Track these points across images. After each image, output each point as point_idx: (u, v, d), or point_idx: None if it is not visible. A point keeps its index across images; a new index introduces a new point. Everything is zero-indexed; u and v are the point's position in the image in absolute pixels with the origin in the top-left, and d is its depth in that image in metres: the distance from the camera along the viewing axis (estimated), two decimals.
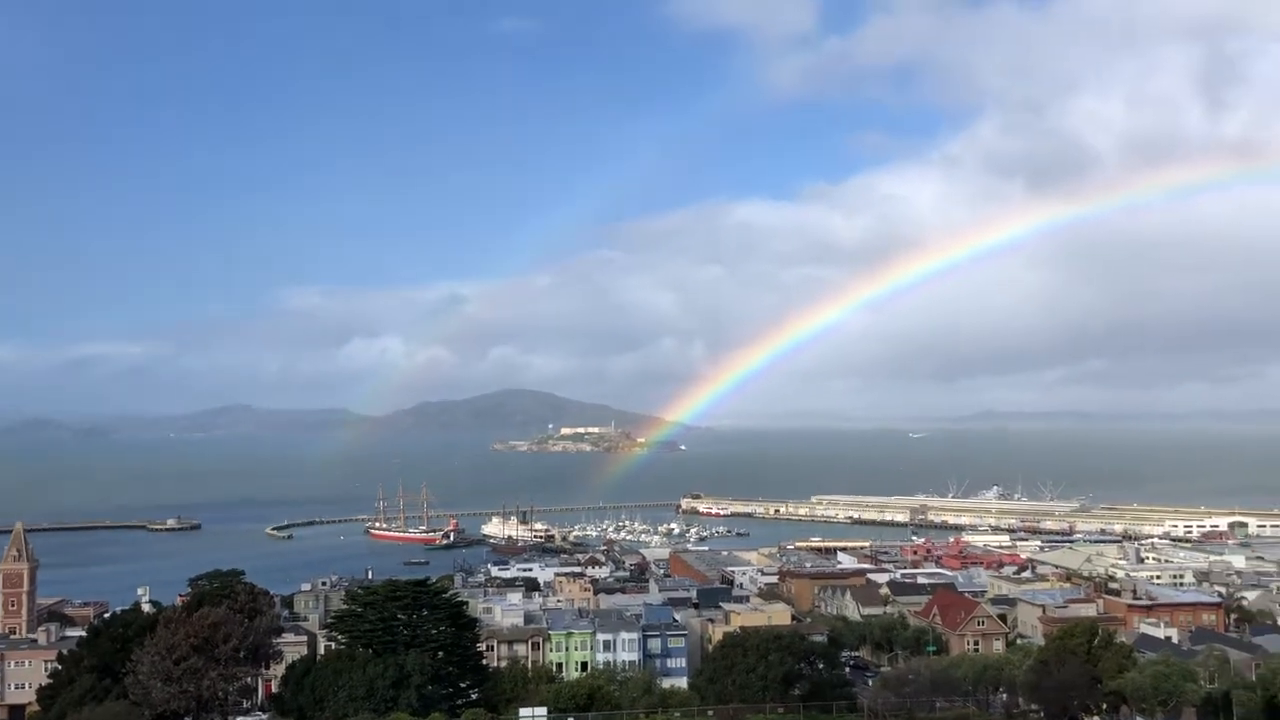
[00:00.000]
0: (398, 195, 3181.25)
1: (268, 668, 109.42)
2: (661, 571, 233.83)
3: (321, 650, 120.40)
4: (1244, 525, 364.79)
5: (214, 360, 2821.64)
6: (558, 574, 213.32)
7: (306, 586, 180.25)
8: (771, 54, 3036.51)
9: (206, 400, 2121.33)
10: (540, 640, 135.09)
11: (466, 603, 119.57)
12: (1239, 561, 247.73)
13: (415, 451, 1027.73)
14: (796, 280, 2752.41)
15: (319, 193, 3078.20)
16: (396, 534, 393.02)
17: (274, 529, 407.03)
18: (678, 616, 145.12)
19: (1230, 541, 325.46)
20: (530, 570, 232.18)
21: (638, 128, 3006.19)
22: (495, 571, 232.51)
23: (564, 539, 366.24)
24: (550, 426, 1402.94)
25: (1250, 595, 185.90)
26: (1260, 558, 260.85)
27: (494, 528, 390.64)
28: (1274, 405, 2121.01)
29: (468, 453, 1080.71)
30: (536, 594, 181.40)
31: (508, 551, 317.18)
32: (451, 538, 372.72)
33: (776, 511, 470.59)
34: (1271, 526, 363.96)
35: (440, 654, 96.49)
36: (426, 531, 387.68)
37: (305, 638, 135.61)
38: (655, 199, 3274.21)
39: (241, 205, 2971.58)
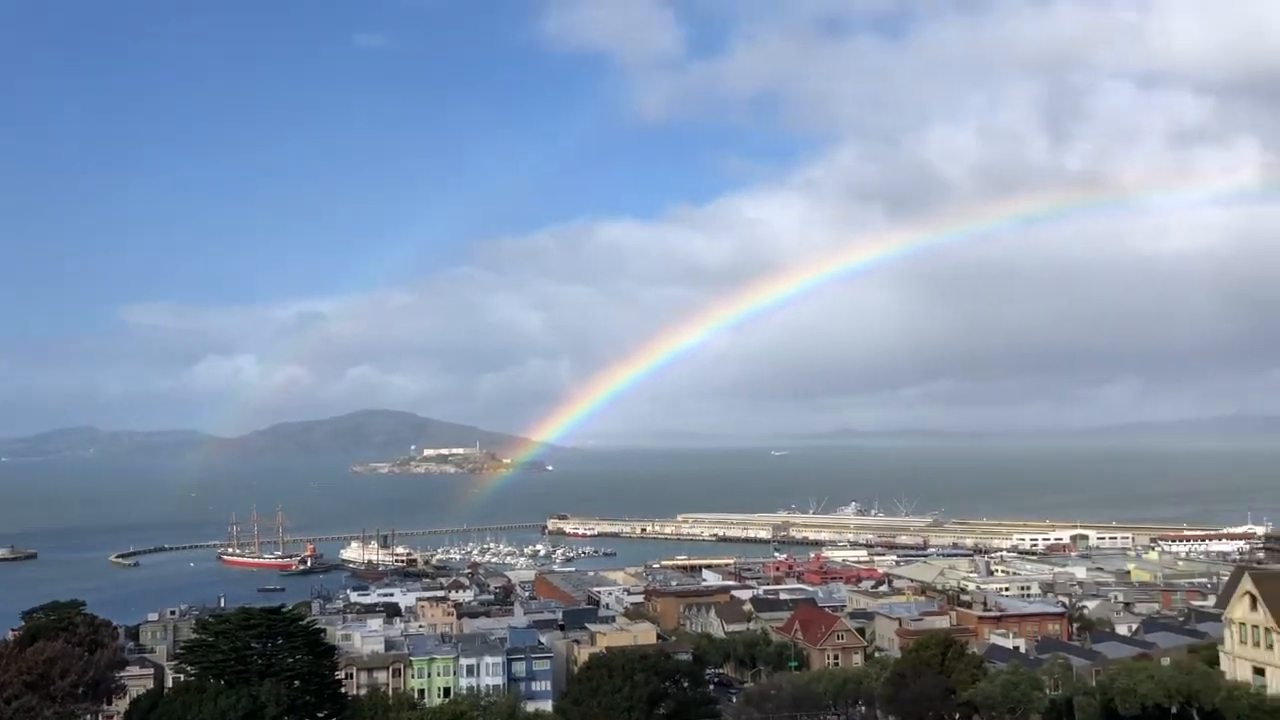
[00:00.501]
0: (251, 210, 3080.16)
1: (110, 703, 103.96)
2: (527, 594, 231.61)
3: (170, 683, 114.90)
4: (1085, 538, 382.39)
5: (53, 380, 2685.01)
6: (420, 599, 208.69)
7: (154, 616, 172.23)
8: (639, 77, 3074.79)
9: (44, 422, 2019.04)
10: (401, 667, 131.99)
11: (324, 630, 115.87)
12: (1081, 572, 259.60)
13: (271, 474, 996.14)
14: (662, 301, 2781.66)
15: (166, 206, 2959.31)
16: (250, 560, 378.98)
17: (118, 557, 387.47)
18: (543, 639, 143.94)
19: (1073, 554, 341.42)
20: (391, 595, 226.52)
21: (505, 146, 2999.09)
22: (355, 597, 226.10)
23: (427, 563, 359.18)
24: (413, 448, 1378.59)
25: (1091, 604, 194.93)
26: (1100, 569, 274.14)
27: (353, 552, 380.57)
28: (1112, 423, 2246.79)
29: (326, 475, 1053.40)
30: (398, 619, 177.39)
31: (368, 576, 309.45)
32: (309, 563, 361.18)
33: (643, 531, 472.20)
34: (1110, 539, 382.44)
35: (297, 683, 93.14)
36: (282, 557, 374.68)
37: (152, 670, 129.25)
38: (523, 217, 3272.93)
39: (81, 219, 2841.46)
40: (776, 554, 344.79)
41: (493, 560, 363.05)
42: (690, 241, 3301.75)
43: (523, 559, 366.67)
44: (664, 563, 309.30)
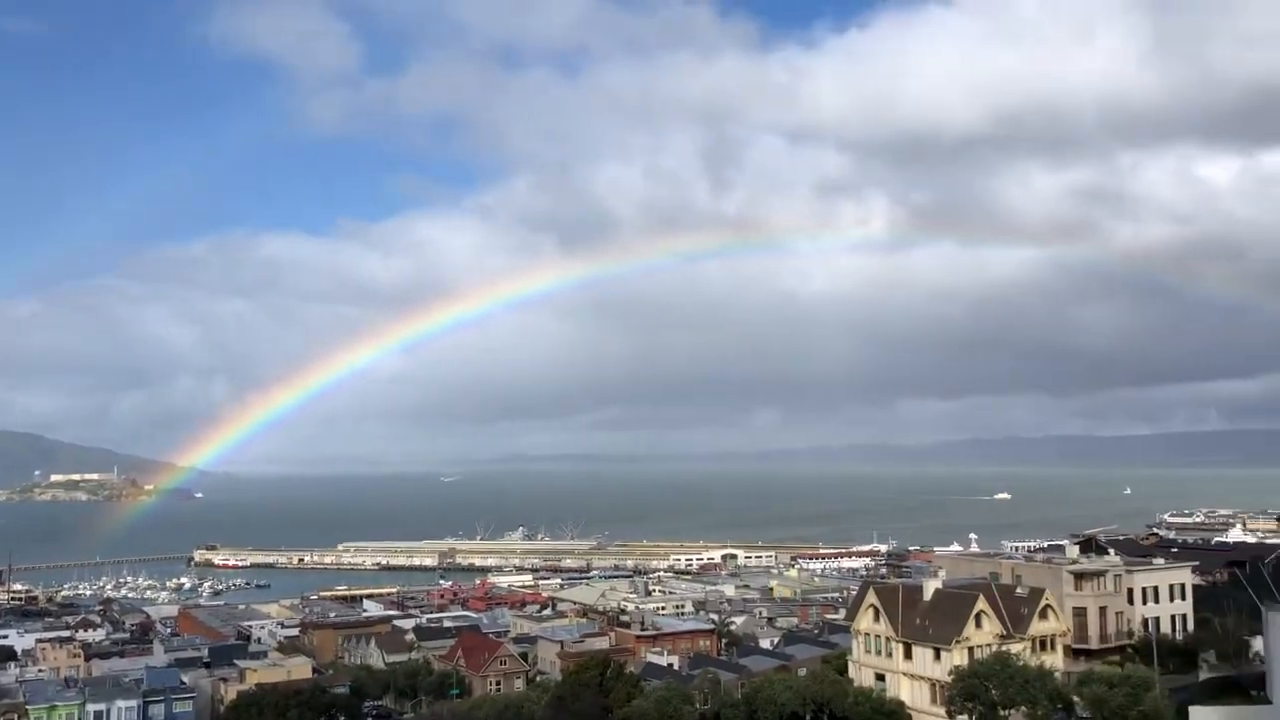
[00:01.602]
0: None
1: None
2: (169, 630, 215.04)
3: None
4: (734, 557, 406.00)
5: None
6: (40, 640, 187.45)
7: None
8: (313, 88, 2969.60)
9: None
10: (16, 717, 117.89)
11: None
12: (730, 590, 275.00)
13: None
14: (330, 319, 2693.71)
15: None
16: None
17: None
18: (185, 678, 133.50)
19: (723, 572, 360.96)
20: (6, 637, 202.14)
21: (159, 150, 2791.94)
22: None
23: (50, 600, 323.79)
24: (37, 473, 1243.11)
25: (738, 620, 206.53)
26: (747, 586, 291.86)
27: None
28: (760, 449, 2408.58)
29: None
30: (13, 664, 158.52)
31: None
32: None
33: (301, 561, 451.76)
34: (756, 557, 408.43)
35: None
36: None
37: None
38: (178, 226, 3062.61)
39: None
40: (442, 581, 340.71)
41: (130, 595, 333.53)
42: (362, 259, 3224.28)
43: (165, 593, 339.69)
44: (322, 594, 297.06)
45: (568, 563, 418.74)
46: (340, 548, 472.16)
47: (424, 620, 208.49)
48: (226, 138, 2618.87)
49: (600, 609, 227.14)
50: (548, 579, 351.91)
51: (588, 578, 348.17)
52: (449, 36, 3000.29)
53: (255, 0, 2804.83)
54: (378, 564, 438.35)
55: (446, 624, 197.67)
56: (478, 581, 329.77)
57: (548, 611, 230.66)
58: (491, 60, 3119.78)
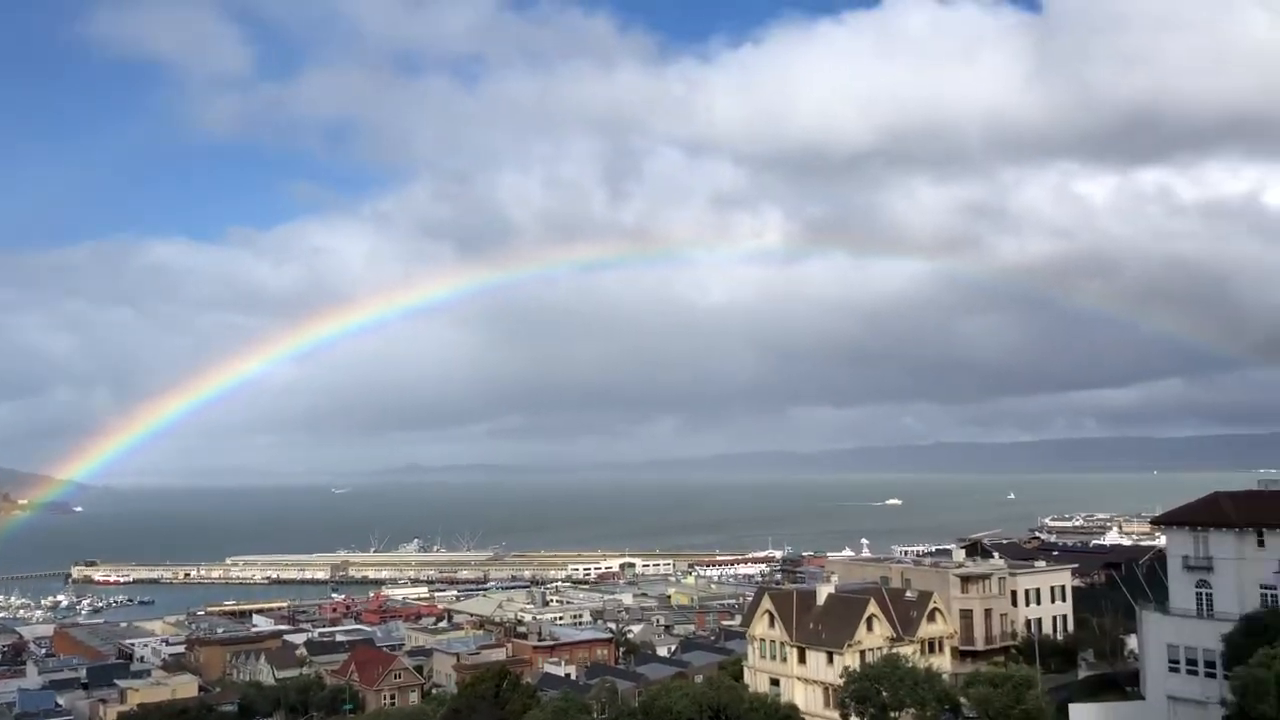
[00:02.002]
0: None
1: None
2: (44, 651, 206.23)
3: None
4: (632, 565, 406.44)
5: None
6: None
7: None
8: (201, 91, 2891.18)
9: None
10: None
11: None
12: (628, 599, 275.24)
13: None
14: (219, 327, 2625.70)
15: None
16: None
17: None
18: (61, 700, 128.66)
19: (621, 581, 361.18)
20: None
21: (35, 150, 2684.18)
22: None
23: None
24: None
25: (636, 629, 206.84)
26: (645, 594, 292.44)
27: None
28: (657, 457, 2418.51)
29: None
30: None
31: None
32: None
33: (187, 576, 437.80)
34: (654, 565, 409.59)
35: None
36: None
37: None
38: (56, 230, 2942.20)
39: None
40: (334, 595, 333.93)
41: (1, 615, 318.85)
42: (253, 267, 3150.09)
43: (40, 612, 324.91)
44: (210, 609, 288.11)
45: (464, 574, 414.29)
46: (229, 561, 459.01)
47: (316, 634, 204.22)
48: (110, 140, 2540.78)
49: (497, 620, 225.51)
50: (444, 591, 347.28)
51: (485, 589, 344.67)
52: (345, 41, 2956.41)
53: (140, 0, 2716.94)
54: (268, 578, 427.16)
55: (339, 638, 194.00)
56: (372, 594, 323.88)
57: (444, 624, 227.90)
58: (389, 66, 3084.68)
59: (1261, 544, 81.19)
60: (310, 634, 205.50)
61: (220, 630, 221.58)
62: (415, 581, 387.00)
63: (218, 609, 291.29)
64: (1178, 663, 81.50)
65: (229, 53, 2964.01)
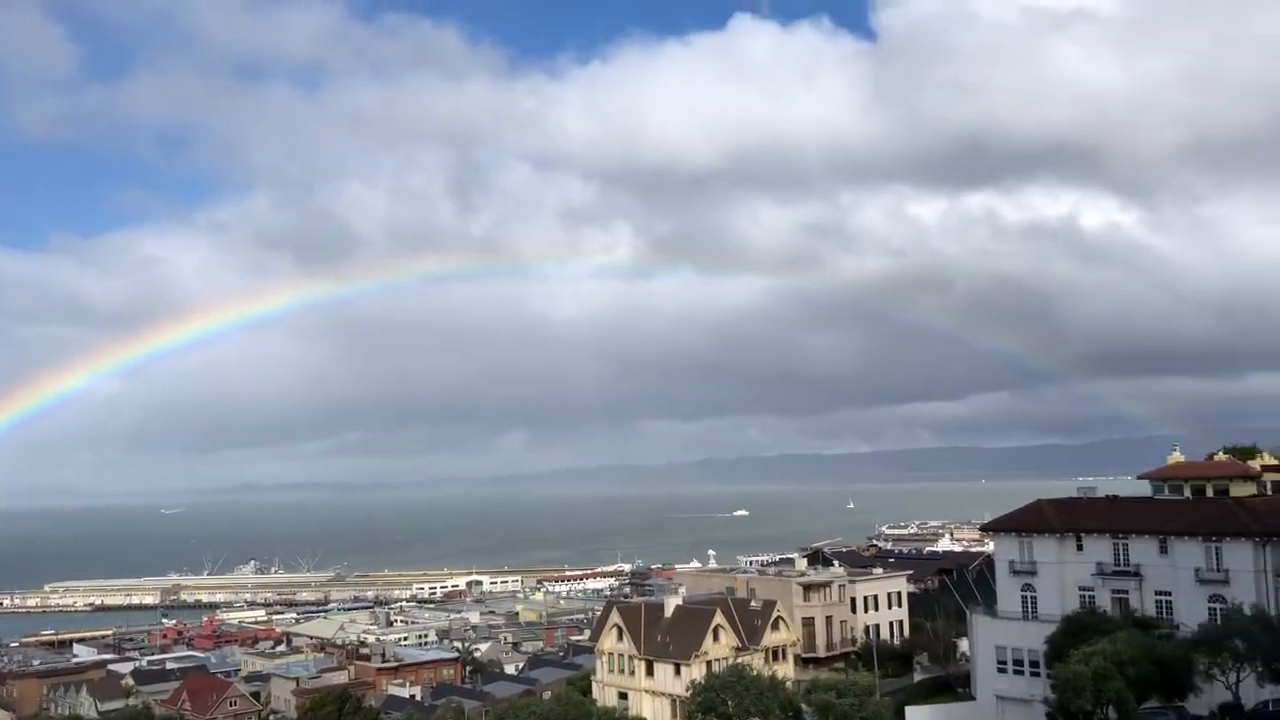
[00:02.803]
0: None
1: None
2: None
3: None
4: (480, 583, 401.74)
5: None
6: None
7: None
8: (21, 92, 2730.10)
9: None
10: None
11: None
12: (475, 617, 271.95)
13: None
14: (38, 340, 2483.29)
15: None
16: None
17: None
18: None
19: (468, 599, 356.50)
20: None
21: None
22: None
23: None
24: None
25: (483, 647, 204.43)
26: (492, 612, 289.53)
27: None
28: (505, 472, 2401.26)
29: None
30: None
31: None
32: None
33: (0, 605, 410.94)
34: (502, 582, 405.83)
35: None
36: None
37: None
38: None
39: None
40: (165, 620, 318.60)
41: None
42: (76, 276, 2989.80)
43: None
44: (25, 640, 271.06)
45: (304, 596, 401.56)
46: (47, 588, 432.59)
47: (144, 663, 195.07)
48: None
49: (339, 642, 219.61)
50: (282, 613, 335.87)
51: (326, 611, 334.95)
52: (182, 45, 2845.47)
53: None
54: (91, 604, 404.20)
55: (170, 665, 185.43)
56: (205, 619, 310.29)
57: (282, 647, 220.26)
58: (229, 72, 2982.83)
59: (1080, 548, 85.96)
60: (138, 662, 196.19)
61: (36, 662, 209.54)
62: (252, 604, 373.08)
63: (34, 639, 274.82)
64: (1005, 663, 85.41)
65: (52, 51, 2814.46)
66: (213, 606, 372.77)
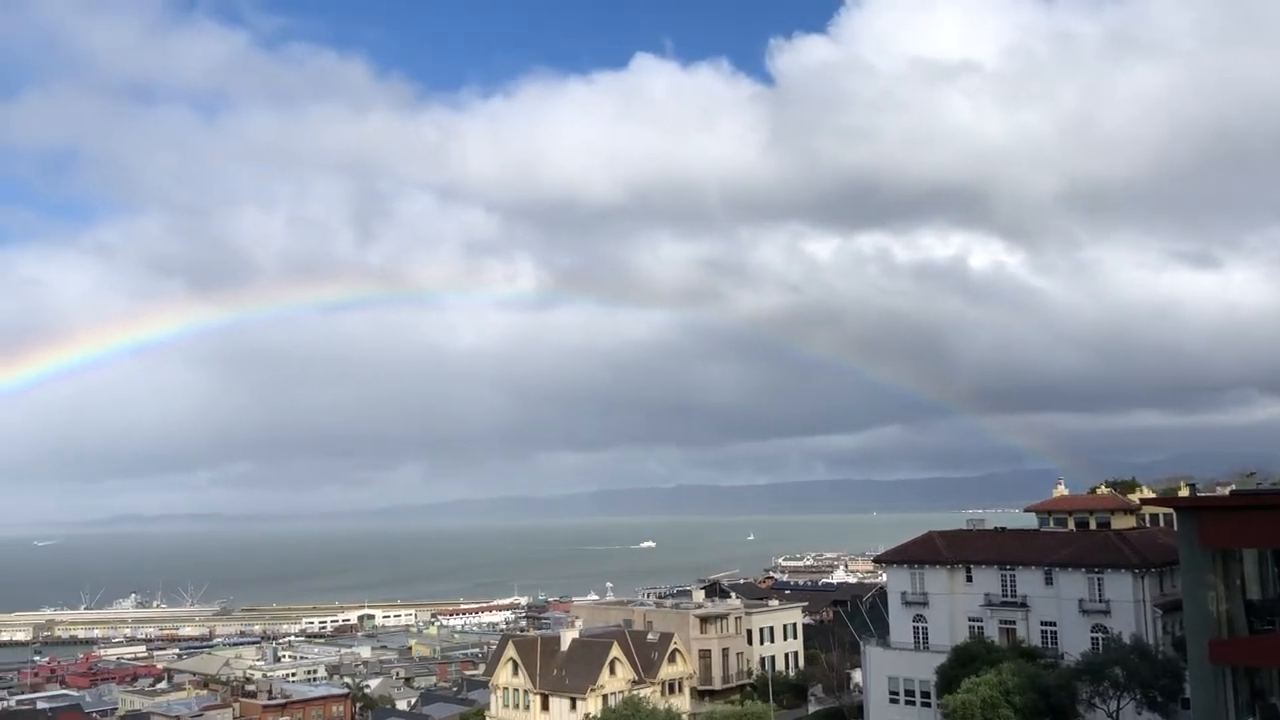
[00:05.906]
0: None
1: None
2: None
3: None
4: (372, 617, 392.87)
5: None
6: None
7: None
8: None
9: None
10: None
11: None
12: (366, 652, 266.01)
13: None
14: None
15: None
16: None
17: None
18: None
19: (360, 634, 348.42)
20: None
21: None
22: None
23: None
24: None
25: (374, 683, 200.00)
26: (385, 646, 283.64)
27: None
28: (400, 504, 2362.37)
29: None
30: None
31: None
32: None
33: None
34: (395, 616, 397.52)
35: None
36: None
37: None
38: None
39: None
40: (37, 658, 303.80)
41: None
42: None
43: None
44: None
45: (187, 630, 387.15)
46: None
47: (14, 703, 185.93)
48: None
49: (224, 679, 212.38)
50: (164, 649, 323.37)
51: (210, 646, 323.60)
52: (73, 66, 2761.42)
53: None
54: None
55: (41, 705, 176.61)
56: (81, 655, 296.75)
57: (163, 684, 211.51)
58: (120, 95, 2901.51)
59: (970, 579, 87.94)
60: (7, 703, 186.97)
61: None
62: (132, 640, 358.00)
63: None
64: (897, 694, 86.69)
65: None
66: (90, 643, 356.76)
